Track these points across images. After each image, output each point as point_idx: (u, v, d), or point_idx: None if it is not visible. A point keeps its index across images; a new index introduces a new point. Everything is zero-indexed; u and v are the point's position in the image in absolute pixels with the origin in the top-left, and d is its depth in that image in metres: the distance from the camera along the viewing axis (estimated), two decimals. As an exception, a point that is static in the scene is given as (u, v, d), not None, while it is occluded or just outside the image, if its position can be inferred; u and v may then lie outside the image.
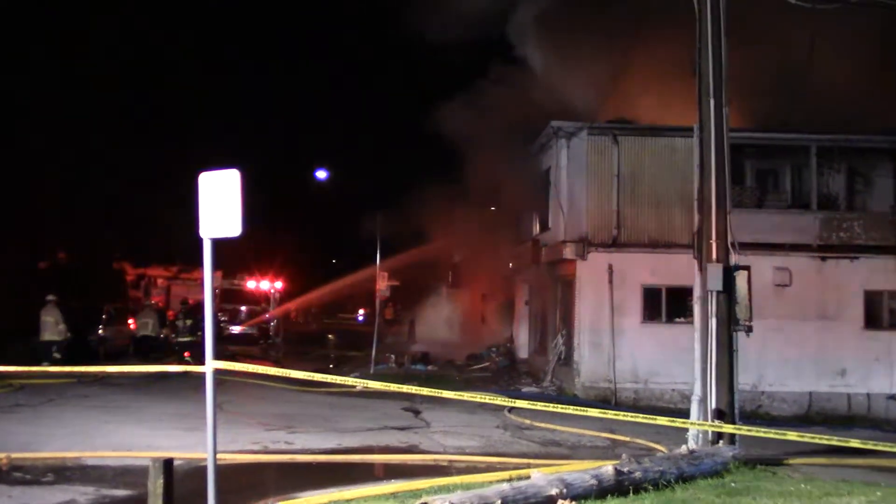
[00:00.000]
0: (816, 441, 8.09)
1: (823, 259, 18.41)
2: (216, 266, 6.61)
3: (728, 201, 10.54)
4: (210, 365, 6.47)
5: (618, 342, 18.14)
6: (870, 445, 7.63)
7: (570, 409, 8.42)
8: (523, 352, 24.72)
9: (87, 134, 26.07)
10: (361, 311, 64.37)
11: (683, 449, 9.49)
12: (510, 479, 7.45)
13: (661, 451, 10.52)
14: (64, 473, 8.68)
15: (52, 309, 18.57)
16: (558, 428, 13.01)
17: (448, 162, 26.97)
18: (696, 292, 10.74)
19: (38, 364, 16.61)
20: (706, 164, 10.59)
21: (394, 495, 7.80)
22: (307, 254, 48.33)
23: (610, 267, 18.31)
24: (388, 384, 10.12)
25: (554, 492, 6.80)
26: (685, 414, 11.09)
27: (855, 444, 7.67)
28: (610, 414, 9.33)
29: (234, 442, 10.33)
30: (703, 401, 10.32)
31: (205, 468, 6.42)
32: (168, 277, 37.04)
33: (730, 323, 10.29)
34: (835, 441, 7.87)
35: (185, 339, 21.77)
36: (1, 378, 14.68)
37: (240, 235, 6.35)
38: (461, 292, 34.08)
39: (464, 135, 24.51)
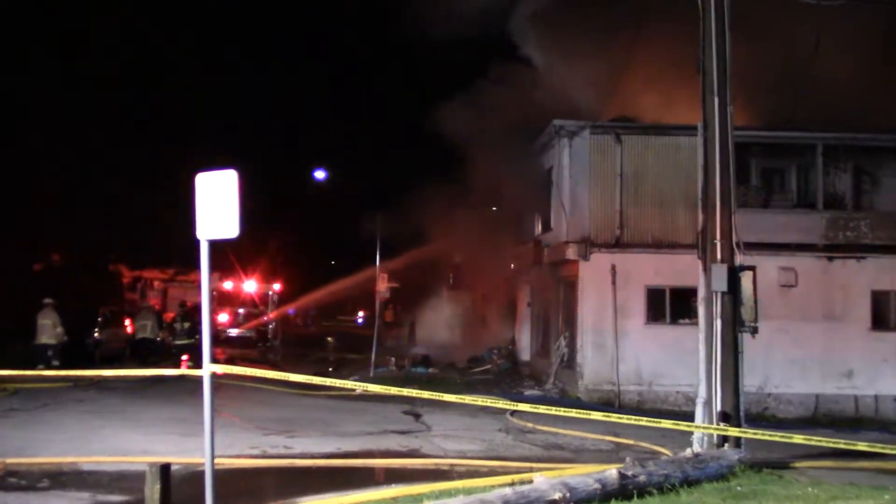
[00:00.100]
0: (823, 444, 8.09)
1: (830, 259, 18.40)
2: (213, 268, 6.60)
3: (733, 201, 10.54)
4: (207, 368, 6.47)
5: (621, 344, 18.13)
6: (878, 448, 7.64)
7: (573, 412, 8.43)
8: (525, 354, 24.71)
9: (84, 134, 26.10)
10: (361, 314, 64.39)
11: (688, 452, 9.49)
12: (512, 484, 7.46)
13: (666, 455, 10.52)
14: (60, 479, 8.68)
15: (50, 312, 18.58)
16: (561, 431, 13.01)
17: (449, 162, 26.96)
18: (701, 293, 10.73)
19: (34, 367, 16.62)
20: (710, 163, 10.58)
21: (395, 500, 7.80)
22: (306, 255, 48.34)
23: (613, 267, 18.30)
24: (388, 387, 10.16)
25: (557, 496, 6.80)
26: (690, 416, 11.09)
27: (862, 447, 7.67)
28: (613, 417, 9.31)
29: (231, 446, 10.33)
30: (708, 403, 10.31)
31: (202, 473, 6.42)
32: (165, 279, 37.04)
33: (735, 324, 10.28)
34: (842, 444, 7.87)
35: (183, 342, 21.81)
36: (-5, 382, 14.71)
37: (238, 236, 6.36)
38: (462, 294, 34.05)
39: (464, 134, 24.50)
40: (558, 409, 8.70)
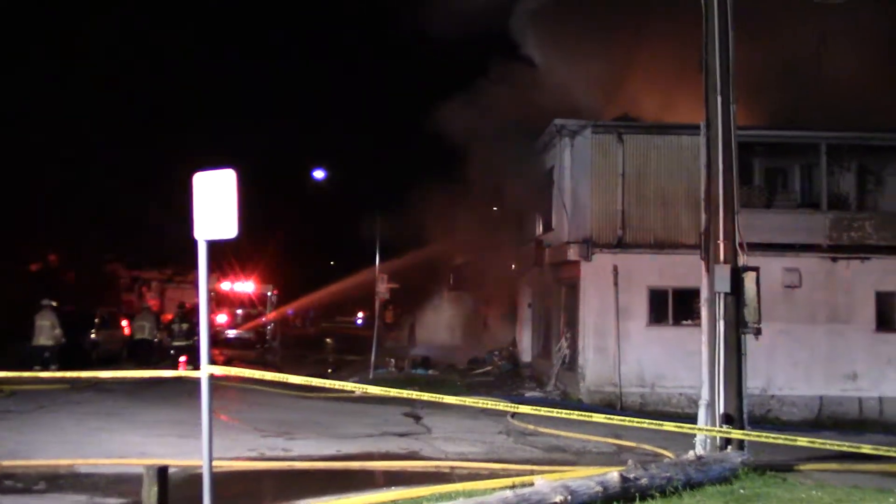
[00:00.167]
0: (827, 447, 8.07)
1: (834, 260, 18.38)
2: (211, 268, 6.60)
3: (736, 201, 10.53)
4: (205, 370, 6.47)
5: (623, 345, 18.13)
6: (882, 451, 7.62)
7: (575, 415, 8.44)
8: (526, 356, 24.71)
9: (81, 133, 26.11)
10: (360, 314, 64.41)
11: (691, 455, 9.48)
12: (513, 486, 7.45)
13: (669, 457, 10.52)
14: (56, 482, 8.68)
15: (49, 313, 18.56)
16: (562, 433, 13.01)
17: (449, 162, 26.98)
18: (704, 294, 10.72)
19: (30, 369, 16.61)
20: (713, 163, 10.58)
21: (394, 503, 7.80)
22: (305, 255, 48.33)
23: (615, 268, 18.29)
24: (388, 389, 10.16)
25: (558, 499, 6.79)
26: (692, 419, 11.09)
27: (867, 449, 7.66)
28: (615, 419, 9.30)
29: (230, 449, 10.33)
30: (711, 405, 10.31)
31: (200, 476, 6.42)
32: (162, 280, 37.06)
33: (738, 325, 10.28)
34: (846, 446, 7.86)
35: (181, 344, 21.81)
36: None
37: (236, 236, 6.36)
38: (463, 295, 34.08)
39: (465, 134, 24.51)
40: (560, 411, 8.69)
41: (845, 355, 18.10)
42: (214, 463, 6.45)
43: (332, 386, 8.66)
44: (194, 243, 6.52)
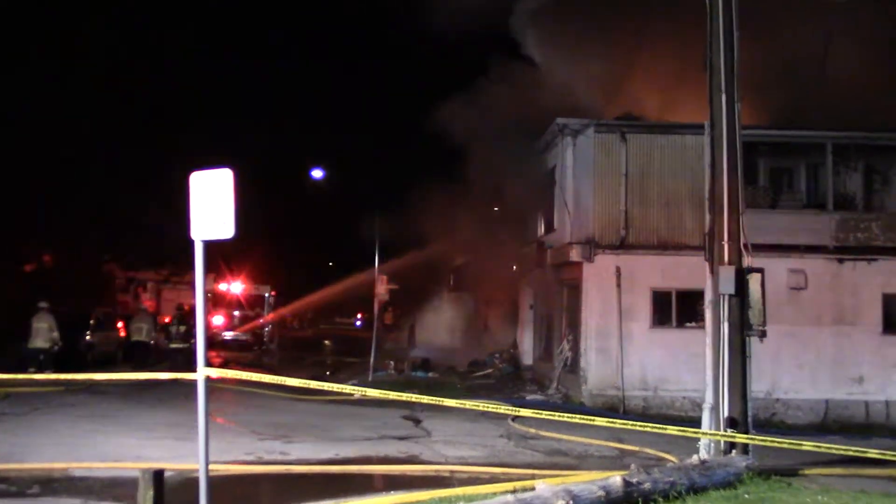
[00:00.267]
0: (833, 451, 8.08)
1: (840, 261, 18.38)
2: (208, 269, 6.61)
3: (741, 201, 10.53)
4: (202, 372, 6.47)
5: (626, 348, 18.13)
6: (889, 456, 7.61)
7: (577, 418, 8.42)
8: (528, 358, 24.70)
9: (77, 132, 26.13)
10: (359, 316, 64.46)
11: (695, 459, 9.49)
12: (514, 491, 7.45)
13: (672, 462, 10.51)
14: (50, 485, 8.68)
15: (46, 315, 18.53)
16: (564, 437, 13.01)
17: (450, 162, 26.98)
18: (708, 296, 10.73)
19: (24, 371, 16.61)
20: (718, 163, 10.58)
21: (393, 508, 7.81)
22: (304, 256, 48.36)
23: (617, 269, 18.29)
24: (388, 392, 10.12)
25: (560, 503, 6.80)
26: (696, 422, 11.09)
27: (873, 454, 7.66)
28: (618, 423, 9.31)
29: (226, 452, 10.32)
30: (715, 409, 10.31)
31: (196, 480, 6.42)
32: (158, 281, 37.05)
33: (742, 328, 10.28)
34: (852, 451, 7.86)
35: (178, 346, 21.80)
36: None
37: (233, 237, 6.36)
38: (463, 296, 34.05)
39: (466, 133, 24.51)
40: (561, 414, 8.70)
41: (851, 358, 18.10)
42: (211, 466, 6.45)
43: (330, 388, 8.67)
44: (192, 244, 6.53)
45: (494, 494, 7.73)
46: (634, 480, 7.77)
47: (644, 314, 18.37)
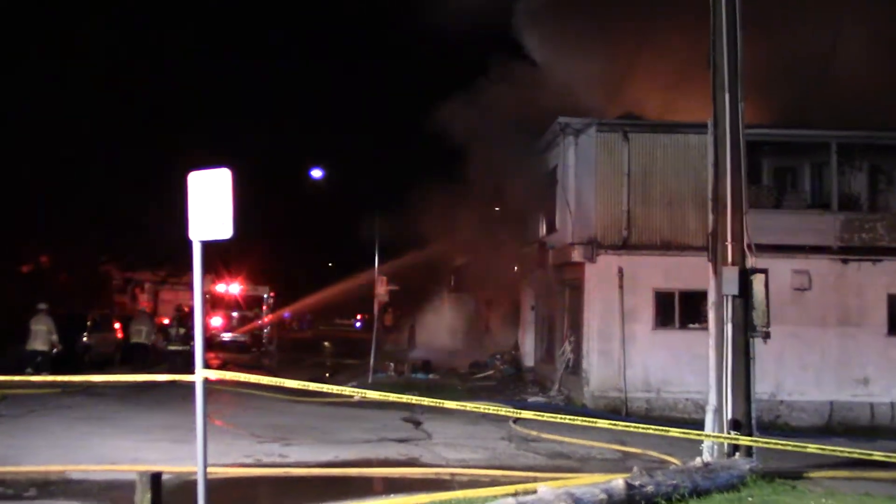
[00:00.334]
0: (837, 453, 8.07)
1: (845, 262, 18.36)
2: (206, 270, 6.61)
3: (744, 201, 10.53)
4: (200, 374, 6.47)
5: (628, 349, 18.12)
6: (894, 458, 7.61)
7: (579, 420, 8.41)
8: (529, 360, 24.70)
9: (74, 132, 26.16)
10: (359, 317, 64.49)
11: (698, 461, 9.49)
12: (515, 494, 7.45)
13: (675, 464, 10.51)
14: (47, 488, 8.68)
15: (45, 318, 18.51)
16: (566, 440, 13.00)
17: (450, 161, 26.98)
18: (711, 297, 10.72)
19: (22, 372, 16.61)
20: (721, 162, 10.58)
21: (393, 511, 7.80)
22: (303, 257, 48.38)
23: (620, 270, 18.28)
24: (387, 394, 10.11)
25: (562, 507, 6.79)
26: (699, 424, 11.08)
27: (878, 456, 7.65)
28: (620, 425, 9.32)
29: (225, 455, 10.32)
30: (719, 411, 10.31)
31: (194, 482, 6.43)
32: (156, 282, 37.06)
33: (746, 329, 10.27)
34: (857, 453, 7.85)
35: (177, 348, 21.82)
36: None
37: (232, 237, 6.37)
38: (464, 297, 34.06)
39: (466, 133, 24.52)
40: (563, 416, 8.69)
41: (856, 359, 18.08)
42: (209, 469, 6.45)
43: (329, 390, 8.67)
44: (190, 244, 6.53)
45: (496, 498, 7.72)
46: (637, 483, 7.77)
47: (647, 315, 18.36)
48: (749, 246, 10.43)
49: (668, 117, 20.28)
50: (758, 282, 10.30)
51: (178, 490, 8.31)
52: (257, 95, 53.92)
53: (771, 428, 16.04)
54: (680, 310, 18.19)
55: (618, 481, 7.67)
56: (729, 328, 10.29)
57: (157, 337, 23.95)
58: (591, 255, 18.43)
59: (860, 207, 19.07)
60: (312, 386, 8.34)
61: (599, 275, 18.41)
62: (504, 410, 12.85)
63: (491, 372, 24.39)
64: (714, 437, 10.14)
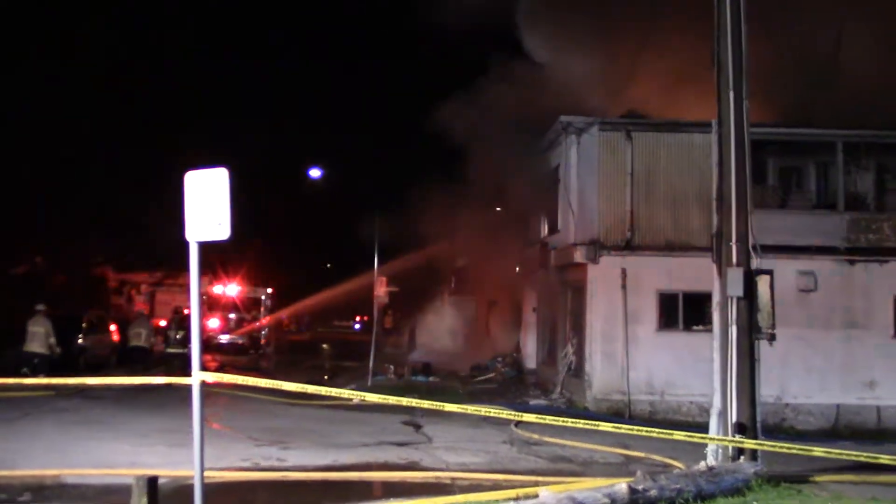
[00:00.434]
0: (844, 457, 8.07)
1: (851, 263, 18.35)
2: (203, 271, 6.61)
3: (749, 201, 10.52)
4: (197, 376, 6.47)
5: (632, 351, 18.12)
6: (901, 462, 7.62)
7: (581, 423, 8.42)
8: (531, 362, 24.70)
9: (76, 133, 26.24)
10: (358, 319, 64.52)
11: (702, 465, 9.49)
12: (517, 498, 7.46)
13: (679, 468, 10.51)
14: (42, 493, 8.68)
15: (43, 320, 18.49)
16: (568, 443, 13.00)
17: (451, 161, 27.02)
18: (716, 298, 10.72)
19: (18, 373, 16.61)
20: (726, 162, 10.57)
21: (393, 515, 7.81)
22: (302, 258, 48.41)
23: (623, 271, 18.28)
24: (387, 397, 10.12)
25: (564, 511, 6.80)
26: (704, 428, 11.08)
27: (885, 460, 7.66)
28: (623, 428, 9.30)
29: (222, 458, 10.32)
30: (723, 414, 10.30)
31: (191, 487, 6.43)
32: (152, 283, 37.09)
33: (751, 331, 10.27)
34: (864, 457, 7.86)
35: (176, 351, 21.83)
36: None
37: (229, 238, 6.37)
38: (465, 299, 34.07)
39: (467, 133, 24.54)
40: (565, 419, 8.68)
41: (863, 362, 18.06)
42: (206, 473, 6.46)
43: (328, 393, 8.66)
44: (187, 245, 6.53)
45: (497, 502, 7.74)
46: (640, 487, 7.77)
47: (650, 317, 18.35)
48: (754, 246, 10.43)
49: (671, 115, 20.26)
50: (763, 283, 10.29)
51: (175, 494, 8.31)
52: (257, 95, 54.11)
53: (776, 431, 16.04)
54: (684, 311, 18.19)
55: (621, 485, 7.67)
56: (733, 330, 10.28)
57: (156, 340, 23.96)
58: (593, 255, 18.43)
59: (867, 207, 19.05)
60: (311, 388, 8.35)
61: (602, 276, 18.40)
62: (505, 413, 12.84)
63: (492, 374, 24.39)
64: (718, 440, 10.14)
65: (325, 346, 36.34)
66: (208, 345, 29.30)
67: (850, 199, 18.84)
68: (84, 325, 22.47)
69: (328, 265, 55.07)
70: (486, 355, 26.96)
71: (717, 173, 10.76)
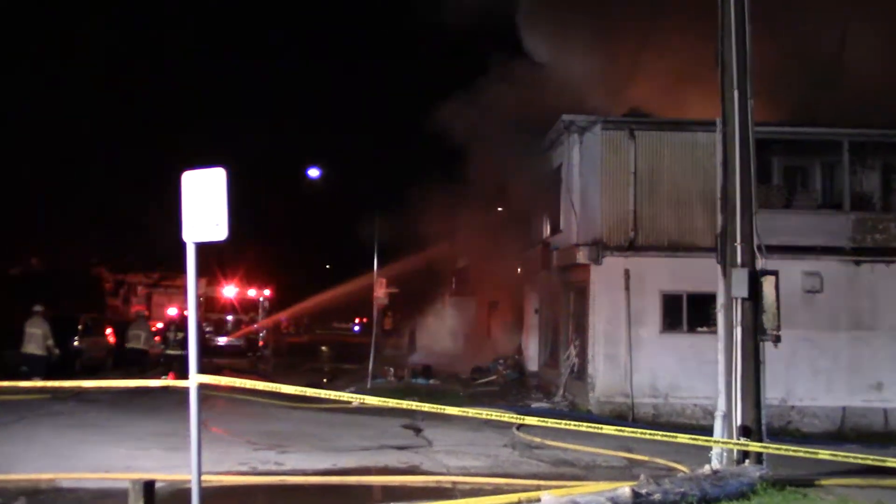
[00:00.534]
0: (851, 460, 8.08)
1: (857, 263, 18.34)
2: (201, 272, 6.61)
3: (754, 201, 10.51)
4: (194, 379, 6.47)
5: (635, 353, 18.11)
6: (909, 465, 7.61)
7: (584, 426, 8.43)
8: (533, 364, 24.70)
9: (76, 133, 26.33)
10: (357, 321, 64.54)
11: (706, 469, 9.48)
12: (519, 502, 7.45)
13: (683, 472, 10.50)
14: (37, 497, 8.67)
15: (41, 321, 18.49)
16: (571, 446, 12.99)
17: (451, 161, 27.05)
18: (720, 299, 10.72)
19: (15, 377, 16.60)
20: (730, 161, 10.57)
21: (393, 520, 7.81)
22: (301, 259, 48.48)
23: (626, 272, 18.27)
24: (387, 400, 10.13)
25: (566, 516, 6.80)
26: (708, 431, 11.07)
27: (892, 463, 7.65)
28: (627, 431, 9.29)
29: (219, 462, 10.32)
30: (728, 416, 10.29)
31: (188, 491, 6.43)
32: (149, 285, 37.09)
33: (756, 332, 10.26)
34: (870, 460, 7.86)
35: (174, 353, 21.84)
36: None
37: (227, 238, 6.37)
38: (465, 300, 34.09)
39: (467, 132, 24.56)
40: (568, 422, 8.69)
41: (869, 364, 18.05)
42: (203, 477, 6.46)
43: (327, 396, 8.66)
44: (184, 245, 6.53)
45: (498, 506, 7.73)
46: (644, 491, 7.77)
47: (654, 318, 18.34)
48: (759, 247, 10.42)
49: (674, 114, 20.27)
50: (768, 284, 10.29)
51: (172, 499, 8.31)
52: (257, 95, 54.20)
53: (781, 434, 16.01)
54: (688, 313, 18.17)
55: (624, 489, 7.67)
56: (738, 332, 10.27)
57: (154, 341, 23.98)
58: (596, 256, 18.42)
59: (873, 207, 19.05)
60: (310, 391, 8.35)
61: (605, 277, 18.40)
62: (507, 416, 12.77)
63: (493, 377, 24.39)
64: (723, 443, 10.13)
65: (324, 348, 36.41)
66: (205, 347, 29.29)
67: (855, 198, 18.83)
68: (80, 327, 22.48)
69: (328, 266, 55.12)
70: (487, 357, 26.96)
71: (722, 173, 10.76)
